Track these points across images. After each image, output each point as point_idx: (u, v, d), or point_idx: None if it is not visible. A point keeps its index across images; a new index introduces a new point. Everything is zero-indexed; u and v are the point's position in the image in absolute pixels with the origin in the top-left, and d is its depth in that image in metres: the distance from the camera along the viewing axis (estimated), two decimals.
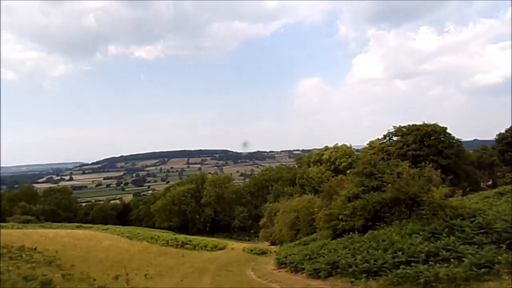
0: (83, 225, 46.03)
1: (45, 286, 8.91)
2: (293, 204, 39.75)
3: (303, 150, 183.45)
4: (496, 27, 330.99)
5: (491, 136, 59.46)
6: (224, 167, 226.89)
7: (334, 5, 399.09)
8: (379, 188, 18.60)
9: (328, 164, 70.07)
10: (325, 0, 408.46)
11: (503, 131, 54.45)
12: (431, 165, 18.62)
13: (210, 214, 70.48)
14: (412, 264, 10.12)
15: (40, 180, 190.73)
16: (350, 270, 11.67)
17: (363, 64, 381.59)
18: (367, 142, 61.21)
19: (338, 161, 69.27)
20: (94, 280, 11.37)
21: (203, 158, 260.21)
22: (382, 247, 12.30)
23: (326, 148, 74.30)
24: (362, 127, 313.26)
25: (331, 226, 18.96)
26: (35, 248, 17.99)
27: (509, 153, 54.54)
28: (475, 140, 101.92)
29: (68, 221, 54.92)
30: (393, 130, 46.30)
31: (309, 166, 72.40)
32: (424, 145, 42.01)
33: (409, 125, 44.54)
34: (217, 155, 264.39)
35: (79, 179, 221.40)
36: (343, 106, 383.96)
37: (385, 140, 47.88)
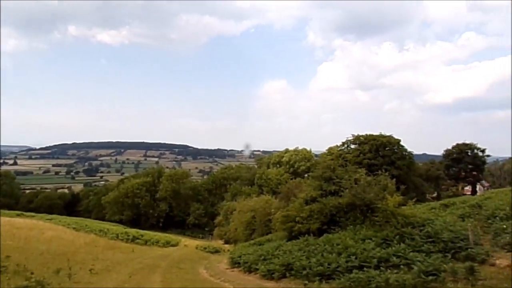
0: (24, 213, 42.82)
1: None
2: (250, 204, 39.72)
3: (263, 151, 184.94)
4: (450, 50, 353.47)
5: (439, 151, 64.13)
6: (183, 162, 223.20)
7: (305, 11, 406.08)
8: (336, 192, 18.95)
9: (287, 166, 70.96)
10: (297, 5, 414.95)
11: (449, 147, 58.70)
12: (386, 174, 19.35)
13: (164, 209, 68.65)
14: (365, 269, 10.33)
15: None
16: (304, 272, 11.71)
17: (327, 72, 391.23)
18: (326, 148, 62.98)
19: (297, 164, 70.38)
20: (32, 273, 10.41)
21: (161, 151, 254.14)
22: (336, 251, 12.48)
23: (287, 150, 75.22)
24: (322, 133, 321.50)
25: (287, 227, 19.04)
26: None
27: (454, 168, 58.59)
28: (423, 154, 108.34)
29: (9, 209, 50.90)
30: (352, 138, 47.83)
31: (268, 167, 72.88)
32: (379, 154, 43.76)
33: (366, 135, 46.23)
34: (176, 150, 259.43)
35: (24, 164, 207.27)
36: (305, 111, 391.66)
37: (343, 147, 49.32)
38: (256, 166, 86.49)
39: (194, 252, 30.82)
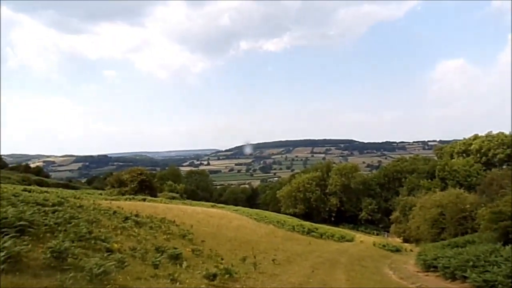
0: (216, 204, 49.56)
1: (173, 260, 8.64)
2: (435, 198, 34.42)
3: (440, 141, 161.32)
4: None
5: None
6: (349, 157, 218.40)
7: None
8: None
9: (478, 155, 59.15)
10: None
11: None
12: None
13: (335, 203, 67.83)
14: None
15: (184, 164, 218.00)
16: None
17: None
18: None
19: (492, 152, 57.80)
20: (222, 259, 10.92)
21: (327, 147, 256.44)
22: None
23: (476, 136, 62.94)
24: None
25: (501, 227, 14.74)
26: (174, 221, 19.32)
27: None
28: None
29: (205, 201, 60.11)
30: None
31: (452, 158, 62.51)
32: None
33: None
34: (342, 145, 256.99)
35: (214, 164, 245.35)
36: (494, 91, 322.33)
37: None
38: (435, 157, 75.90)
39: (373, 249, 28.56)
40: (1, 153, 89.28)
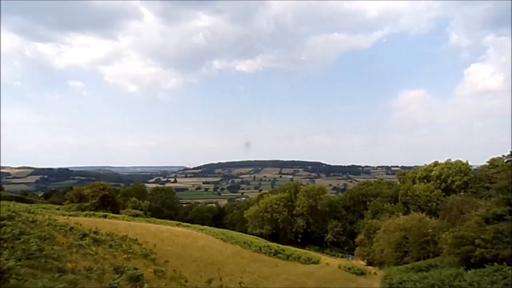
0: (182, 223, 47.96)
1: (132, 281, 7.99)
2: (399, 222, 35.16)
3: (402, 167, 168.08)
4: None
5: None
6: (316, 179, 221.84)
7: (444, 12, 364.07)
8: None
9: (438, 181, 61.73)
10: (435, 5, 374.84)
11: None
12: None
13: (302, 225, 67.80)
14: None
15: (150, 180, 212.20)
16: None
17: (477, 75, 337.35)
18: (487, 160, 52.58)
19: (450, 178, 60.55)
20: (186, 281, 10.31)
21: (295, 169, 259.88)
22: None
23: (436, 163, 65.71)
24: (474, 144, 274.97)
25: (463, 252, 15.09)
26: (136, 239, 18.29)
27: None
28: None
29: (170, 219, 58.04)
30: None
31: (414, 183, 64.84)
32: None
33: None
34: (309, 167, 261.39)
35: (182, 182, 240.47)
36: (452, 121, 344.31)
37: None
38: (398, 182, 78.41)
39: (338, 272, 28.40)
40: None
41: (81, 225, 17.95)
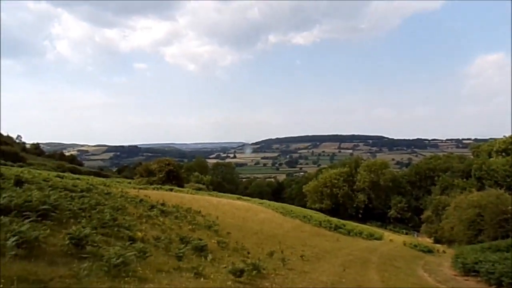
0: (242, 197, 49.37)
1: (197, 251, 8.22)
2: (473, 199, 32.39)
3: (475, 139, 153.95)
4: None
5: None
6: (378, 153, 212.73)
7: None
8: None
9: None
10: None
11: None
12: None
13: (363, 200, 66.05)
14: None
15: (211, 156, 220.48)
16: None
17: None
18: None
19: None
20: (248, 253, 10.44)
21: (355, 143, 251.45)
22: None
23: None
24: None
25: None
26: (200, 212, 19.10)
27: None
28: None
29: (231, 193, 60.10)
30: None
31: (490, 157, 59.06)
32: None
33: None
34: (370, 141, 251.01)
35: (241, 157, 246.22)
36: None
37: None
38: (471, 156, 72.11)
39: (403, 249, 27.35)
40: (39, 142, 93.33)
41: (149, 197, 19.16)
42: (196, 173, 68.12)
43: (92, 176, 45.94)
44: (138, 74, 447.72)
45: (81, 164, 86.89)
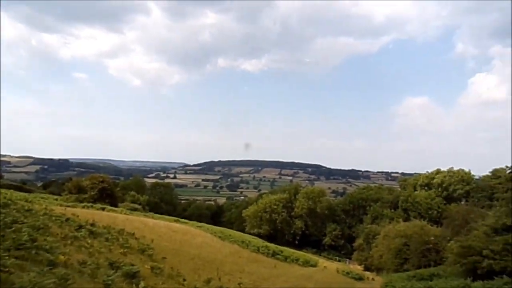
0: (180, 219, 47.52)
1: (128, 278, 7.54)
2: (400, 229, 34.68)
3: (402, 173, 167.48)
4: None
5: None
6: (315, 182, 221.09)
7: (452, 19, 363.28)
8: None
9: (440, 189, 61.32)
10: (442, 13, 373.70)
11: None
12: None
13: (300, 227, 67.32)
14: None
15: (149, 175, 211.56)
16: None
17: (482, 85, 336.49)
18: (490, 170, 52.09)
19: (452, 187, 60.16)
20: (184, 280, 9.86)
21: (295, 170, 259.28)
22: None
23: (438, 171, 65.26)
24: (475, 154, 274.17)
25: (469, 262, 14.62)
26: (134, 234, 17.86)
27: None
28: None
29: (168, 214, 57.69)
30: None
31: (415, 190, 64.38)
32: None
33: None
34: (309, 169, 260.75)
35: (181, 178, 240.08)
36: (454, 130, 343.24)
37: None
38: (399, 188, 77.85)
39: (337, 276, 27.99)
40: None
41: (78, 216, 17.53)
42: (133, 192, 64.49)
43: (12, 190, 41.22)
44: (77, 84, 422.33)
45: (0, 176, 77.80)
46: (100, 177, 47.54)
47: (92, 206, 35.51)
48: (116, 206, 44.58)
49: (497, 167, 48.34)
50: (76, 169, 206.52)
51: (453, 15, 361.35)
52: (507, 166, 42.75)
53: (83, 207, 33.61)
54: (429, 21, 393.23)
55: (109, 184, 47.15)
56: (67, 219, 14.83)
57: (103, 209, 34.83)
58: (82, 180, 47.47)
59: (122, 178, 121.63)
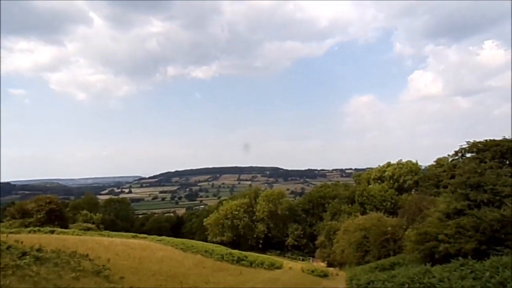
0: (138, 235, 45.39)
1: None
2: (358, 222, 35.80)
3: (355, 169, 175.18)
4: None
5: None
6: (274, 184, 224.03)
7: (389, 22, 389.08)
8: (490, 202, 14.67)
9: (391, 181, 64.37)
10: (380, 16, 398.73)
11: None
12: None
13: (263, 230, 67.55)
14: None
15: (103, 192, 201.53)
16: None
17: (420, 81, 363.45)
18: (434, 160, 55.50)
19: (402, 178, 63.42)
20: None
21: (253, 174, 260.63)
22: None
23: (389, 164, 68.51)
24: (420, 145, 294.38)
25: (426, 248, 15.26)
26: (87, 255, 16.52)
27: None
28: None
29: (125, 231, 55.14)
30: (467, 146, 40.08)
31: (369, 184, 67.12)
32: (506, 163, 35.46)
33: (486, 141, 37.96)
34: (267, 172, 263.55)
35: (137, 192, 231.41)
36: (398, 124, 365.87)
37: (456, 157, 41.81)
38: (354, 184, 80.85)
39: (302, 276, 28.17)
40: None
41: (22, 242, 15.84)
42: (85, 211, 60.80)
43: None
44: (14, 101, 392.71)
45: None
46: (46, 198, 44.39)
47: (39, 230, 32.85)
48: (66, 227, 41.79)
49: (440, 156, 51.39)
50: (20, 192, 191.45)
51: (389, 17, 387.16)
52: (448, 155, 45.64)
53: (29, 231, 30.97)
54: (369, 24, 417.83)
55: (57, 205, 44.17)
56: (9, 247, 13.30)
57: (52, 232, 32.35)
58: (26, 203, 43.97)
59: (72, 198, 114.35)
